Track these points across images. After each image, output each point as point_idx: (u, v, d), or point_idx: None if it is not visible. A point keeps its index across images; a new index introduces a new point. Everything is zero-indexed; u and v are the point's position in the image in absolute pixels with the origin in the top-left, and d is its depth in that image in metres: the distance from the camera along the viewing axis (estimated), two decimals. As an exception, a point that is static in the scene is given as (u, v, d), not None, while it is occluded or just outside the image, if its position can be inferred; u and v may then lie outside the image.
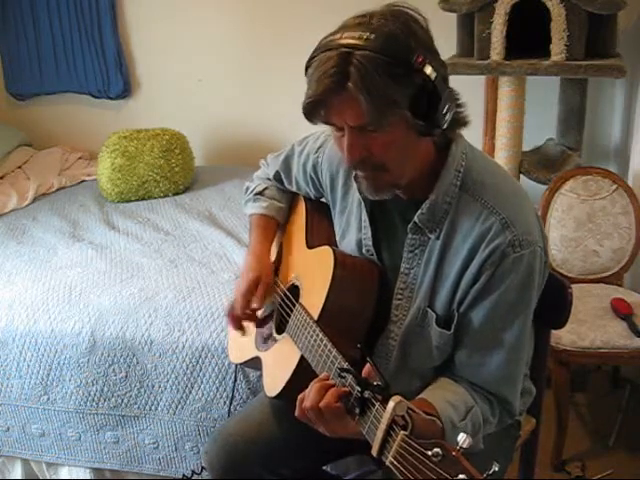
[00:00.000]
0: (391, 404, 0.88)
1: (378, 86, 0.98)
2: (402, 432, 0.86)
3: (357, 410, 0.95)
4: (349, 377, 0.99)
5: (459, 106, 1.11)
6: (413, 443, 0.83)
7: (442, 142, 1.13)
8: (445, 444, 0.81)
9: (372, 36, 0.99)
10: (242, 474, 1.38)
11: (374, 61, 0.98)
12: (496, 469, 0.78)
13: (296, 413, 1.05)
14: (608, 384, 2.49)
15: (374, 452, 0.90)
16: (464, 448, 0.81)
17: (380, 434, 0.89)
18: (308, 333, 1.18)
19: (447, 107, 1.04)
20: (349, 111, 1.02)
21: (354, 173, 1.17)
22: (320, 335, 1.14)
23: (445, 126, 1.06)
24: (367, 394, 0.94)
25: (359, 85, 0.98)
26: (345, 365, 1.04)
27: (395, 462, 0.85)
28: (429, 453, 0.80)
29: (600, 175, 2.29)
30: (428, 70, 1.00)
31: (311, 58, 1.05)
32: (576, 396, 2.39)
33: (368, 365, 1.00)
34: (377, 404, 0.92)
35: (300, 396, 1.04)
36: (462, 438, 0.81)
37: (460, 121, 1.13)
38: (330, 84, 1.00)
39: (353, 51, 0.98)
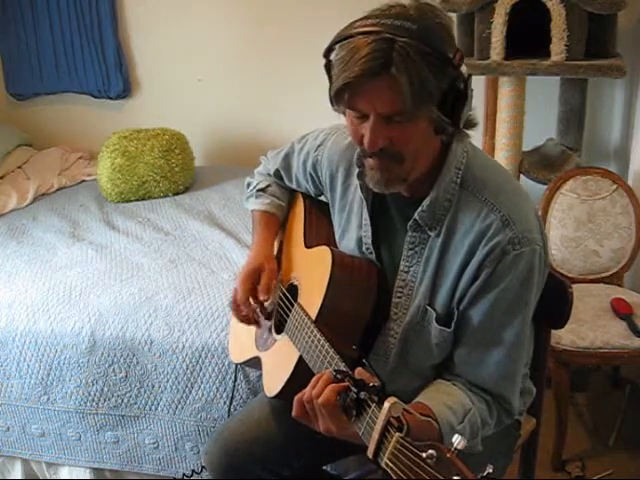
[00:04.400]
0: (386, 405, 0.88)
1: (419, 75, 0.98)
2: (397, 434, 0.86)
3: (354, 412, 0.95)
4: (345, 378, 0.99)
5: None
6: (408, 445, 0.83)
7: (448, 140, 1.13)
8: (440, 446, 0.80)
9: (414, 26, 0.98)
10: (242, 474, 1.38)
11: (416, 49, 0.97)
12: (490, 471, 0.78)
13: (293, 413, 1.04)
14: (608, 384, 2.49)
15: (370, 454, 0.90)
16: (459, 449, 0.81)
17: (375, 435, 0.89)
18: (306, 333, 1.18)
19: (469, 106, 1.05)
20: (385, 97, 1.00)
21: (367, 161, 1.13)
22: (318, 335, 1.14)
23: (462, 125, 1.07)
24: (363, 395, 0.94)
25: (402, 71, 0.97)
26: (342, 367, 1.04)
27: (390, 464, 0.85)
28: (424, 455, 0.80)
29: (600, 175, 2.29)
30: (464, 68, 1.01)
31: (340, 40, 1.02)
32: (576, 396, 2.39)
33: (359, 367, 1.00)
34: (373, 405, 0.92)
35: (298, 396, 1.03)
36: (457, 439, 0.81)
37: (470, 122, 1.12)
38: (373, 67, 0.98)
39: (395, 37, 0.98)
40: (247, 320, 1.41)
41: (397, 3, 1.04)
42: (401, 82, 0.97)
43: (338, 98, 1.04)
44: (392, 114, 1.02)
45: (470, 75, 1.04)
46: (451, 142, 1.14)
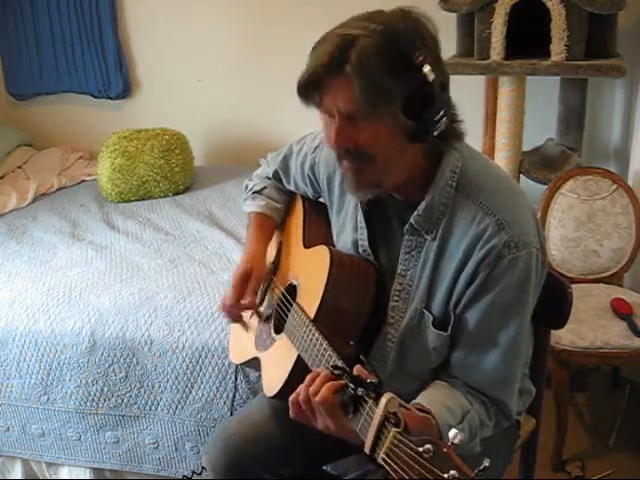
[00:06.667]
0: (383, 401, 0.89)
1: (375, 75, 0.99)
2: (394, 429, 0.86)
3: (351, 408, 0.95)
4: (343, 375, 0.99)
5: (455, 119, 1.11)
6: (404, 440, 0.83)
7: (432, 152, 1.12)
8: (437, 441, 0.80)
9: (378, 27, 1.00)
10: (242, 474, 1.38)
11: (375, 49, 0.99)
12: (487, 464, 0.78)
13: (290, 414, 1.04)
14: (608, 384, 2.49)
15: (366, 449, 0.90)
16: (455, 444, 0.81)
17: (372, 430, 0.89)
18: (304, 332, 1.18)
19: (441, 113, 1.04)
20: (342, 94, 1.03)
21: (342, 164, 1.14)
22: (316, 334, 1.14)
23: (436, 133, 1.05)
24: (360, 391, 0.94)
25: (356, 69, 0.99)
26: (339, 363, 1.04)
27: (387, 459, 0.85)
28: (420, 449, 0.80)
29: (600, 175, 2.29)
30: (427, 70, 1.01)
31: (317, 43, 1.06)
32: (576, 396, 2.39)
33: (359, 364, 1.00)
34: (370, 401, 0.92)
35: (292, 397, 1.03)
36: (453, 434, 0.81)
37: (454, 134, 1.12)
38: (328, 62, 1.01)
39: (359, 37, 1.00)
40: (235, 320, 1.46)
41: (378, 10, 1.06)
42: (354, 81, 0.99)
43: (302, 94, 1.06)
44: (352, 112, 1.04)
45: (438, 80, 1.02)
46: (441, 154, 1.13)
